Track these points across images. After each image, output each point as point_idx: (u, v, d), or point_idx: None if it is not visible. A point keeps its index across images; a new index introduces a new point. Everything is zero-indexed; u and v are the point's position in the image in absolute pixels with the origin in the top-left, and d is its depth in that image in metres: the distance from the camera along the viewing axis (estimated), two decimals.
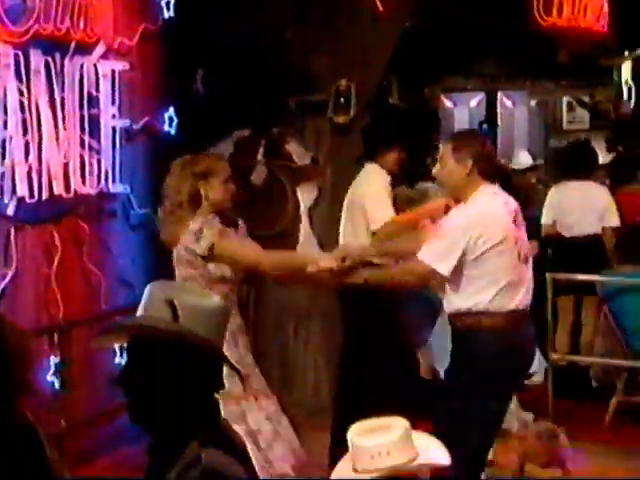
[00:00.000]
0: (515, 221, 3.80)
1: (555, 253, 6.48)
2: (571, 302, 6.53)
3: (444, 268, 3.68)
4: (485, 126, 10.47)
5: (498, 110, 11.02)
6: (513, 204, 3.86)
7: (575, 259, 6.18)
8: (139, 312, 1.89)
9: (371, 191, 4.86)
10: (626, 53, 9.65)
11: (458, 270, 3.68)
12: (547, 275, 5.85)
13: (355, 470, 2.68)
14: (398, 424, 2.69)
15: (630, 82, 9.97)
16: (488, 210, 3.76)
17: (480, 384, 3.64)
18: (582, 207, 6.41)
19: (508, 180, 6.25)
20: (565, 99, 10.72)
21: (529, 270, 3.82)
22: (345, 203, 5.06)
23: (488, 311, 3.70)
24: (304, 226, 6.18)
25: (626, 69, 9.91)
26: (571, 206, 6.47)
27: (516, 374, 3.91)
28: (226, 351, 2.01)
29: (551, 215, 6.55)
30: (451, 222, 3.78)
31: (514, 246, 3.75)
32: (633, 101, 10.07)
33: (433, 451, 2.74)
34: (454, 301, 3.76)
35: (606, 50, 9.24)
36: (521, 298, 3.74)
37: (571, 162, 6.75)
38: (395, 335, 4.88)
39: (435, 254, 3.70)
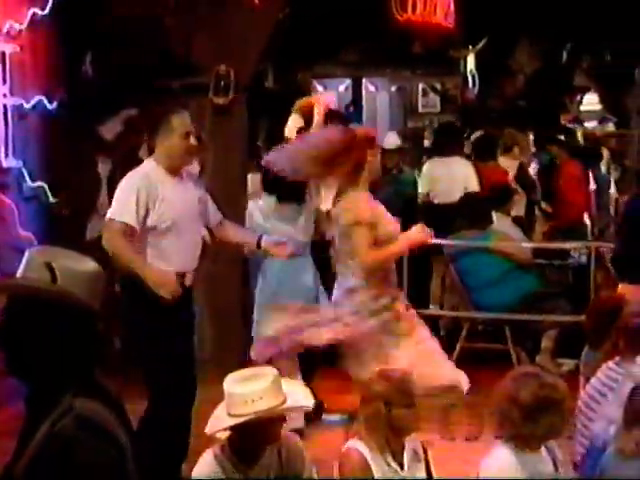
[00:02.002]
0: None
1: (428, 218, 6.69)
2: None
3: None
4: (352, 108, 10.46)
5: (363, 94, 11.02)
6: None
7: (442, 222, 6.32)
8: (18, 274, 1.80)
9: None
10: (470, 47, 9.82)
11: None
12: None
13: (231, 415, 2.62)
14: (269, 372, 2.69)
15: (474, 72, 10.17)
16: None
17: None
18: (449, 178, 6.69)
19: None
20: (420, 86, 10.82)
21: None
22: None
23: None
24: None
25: (470, 61, 10.09)
26: (440, 178, 6.75)
27: None
28: None
29: (425, 186, 6.82)
30: None
31: None
32: (477, 88, 10.28)
33: (299, 395, 2.73)
34: None
35: (453, 44, 9.37)
36: None
37: (440, 140, 7.18)
38: None
39: None
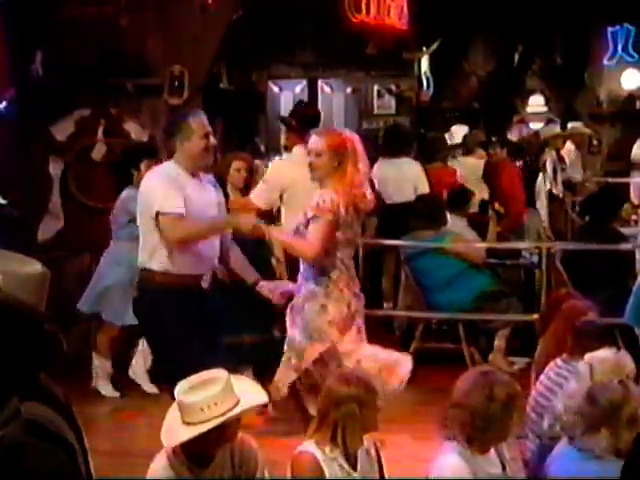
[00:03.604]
0: None
1: (379, 218, 6.77)
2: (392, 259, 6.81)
3: None
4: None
5: (319, 96, 11.03)
6: None
7: (395, 222, 6.46)
8: None
9: None
10: (424, 49, 9.89)
11: None
12: (359, 240, 5.91)
13: (186, 422, 2.60)
14: (219, 376, 2.67)
15: (428, 74, 10.25)
16: None
17: None
18: (399, 179, 6.74)
19: None
20: (375, 87, 10.86)
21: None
22: None
23: None
24: None
25: (424, 62, 10.17)
26: (390, 178, 6.76)
27: None
28: None
29: (375, 186, 6.85)
30: None
31: None
32: (431, 90, 10.36)
33: (251, 394, 2.74)
34: None
35: (407, 45, 9.45)
36: None
37: (389, 142, 7.15)
38: None
39: None
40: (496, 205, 7.44)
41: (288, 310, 3.93)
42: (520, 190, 7.45)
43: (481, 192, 7.32)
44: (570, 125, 9.74)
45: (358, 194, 3.85)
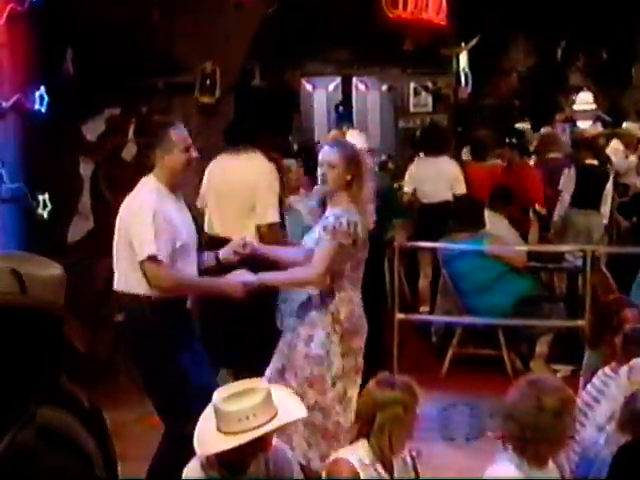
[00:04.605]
0: None
1: (416, 218, 6.89)
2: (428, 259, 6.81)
3: None
4: (341, 108, 10.46)
5: (353, 94, 11.03)
6: None
7: (431, 222, 6.52)
8: None
9: (264, 184, 4.63)
10: (462, 44, 9.84)
11: None
12: (395, 243, 5.90)
13: (222, 432, 2.60)
14: (260, 387, 2.66)
15: (467, 70, 10.19)
16: None
17: None
18: (436, 178, 6.79)
19: None
20: (412, 85, 10.84)
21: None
22: (220, 189, 4.79)
23: None
24: None
25: (463, 58, 10.12)
26: (427, 177, 6.82)
27: None
28: None
29: (411, 185, 6.93)
30: None
31: None
32: (469, 87, 10.31)
33: (291, 406, 2.73)
34: None
35: (445, 41, 9.40)
36: None
37: (427, 140, 7.31)
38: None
39: None
40: (537, 206, 7.37)
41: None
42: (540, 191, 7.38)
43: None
44: (624, 125, 9.65)
45: (369, 211, 3.78)
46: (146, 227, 3.52)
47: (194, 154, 3.70)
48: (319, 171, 3.75)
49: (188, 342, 3.64)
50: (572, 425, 2.78)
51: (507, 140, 7.85)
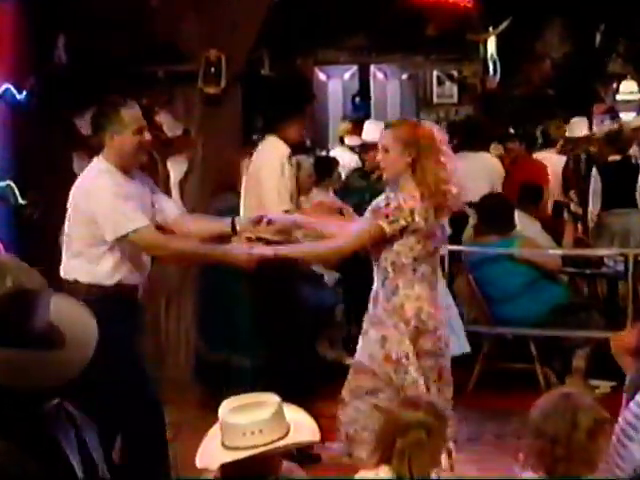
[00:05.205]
0: None
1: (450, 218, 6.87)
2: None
3: None
4: (358, 99, 10.45)
5: (371, 83, 11.02)
6: None
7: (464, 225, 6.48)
8: None
9: (269, 167, 4.73)
10: (491, 29, 9.80)
11: None
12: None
13: (225, 446, 2.58)
14: (270, 401, 2.65)
15: (495, 57, 10.15)
16: None
17: None
18: (475, 176, 6.74)
19: None
20: (435, 73, 10.81)
21: None
22: (246, 176, 4.96)
23: None
24: (175, 200, 5.97)
25: (491, 44, 10.08)
26: (466, 174, 6.77)
27: None
28: None
29: None
30: None
31: None
32: (498, 75, 10.26)
33: (304, 427, 2.71)
34: None
35: (472, 25, 9.37)
36: None
37: (466, 134, 7.33)
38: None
39: None
40: (572, 206, 7.32)
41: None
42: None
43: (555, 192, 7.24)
44: None
45: (445, 192, 3.64)
46: (116, 203, 3.58)
47: (147, 136, 3.74)
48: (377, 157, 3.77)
49: (134, 336, 3.69)
50: (606, 450, 2.74)
51: (512, 131, 7.89)
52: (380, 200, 3.66)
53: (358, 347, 3.77)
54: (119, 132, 3.67)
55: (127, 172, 3.74)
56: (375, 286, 3.71)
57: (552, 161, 7.59)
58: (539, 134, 8.20)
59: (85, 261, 3.68)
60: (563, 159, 7.72)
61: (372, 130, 6.52)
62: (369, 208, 3.71)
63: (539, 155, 7.71)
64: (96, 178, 3.72)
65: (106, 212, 3.62)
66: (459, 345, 5.22)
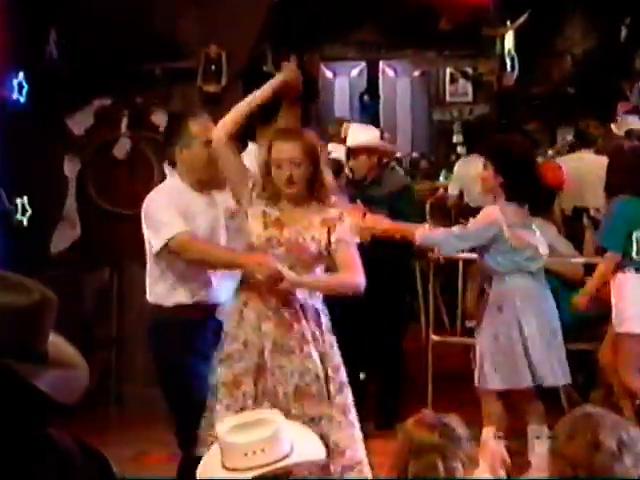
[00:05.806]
0: None
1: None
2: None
3: None
4: (366, 98, 10.51)
5: (380, 81, 11.08)
6: None
7: None
8: None
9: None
10: (508, 23, 9.85)
11: None
12: (429, 255, 5.96)
13: (226, 467, 2.63)
14: (272, 419, 2.69)
15: (513, 53, 10.19)
16: None
17: None
18: None
19: None
20: (448, 70, 10.85)
21: None
22: None
23: None
24: None
25: (509, 39, 10.11)
26: (476, 178, 6.84)
27: None
28: None
29: (457, 186, 7.09)
30: None
31: None
32: (516, 72, 10.30)
33: (308, 445, 2.75)
34: None
35: (488, 19, 9.42)
36: None
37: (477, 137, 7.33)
38: None
39: None
40: (592, 211, 7.36)
41: None
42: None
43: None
44: None
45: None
46: (158, 215, 3.68)
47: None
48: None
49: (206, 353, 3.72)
50: (636, 470, 2.77)
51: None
52: None
53: None
54: (187, 145, 3.76)
55: (202, 188, 3.80)
56: None
57: (587, 162, 7.53)
58: (573, 134, 8.18)
59: (151, 281, 3.82)
60: (601, 159, 7.66)
61: (358, 134, 6.19)
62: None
63: (574, 156, 7.66)
64: (156, 192, 3.84)
65: (149, 224, 3.74)
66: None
